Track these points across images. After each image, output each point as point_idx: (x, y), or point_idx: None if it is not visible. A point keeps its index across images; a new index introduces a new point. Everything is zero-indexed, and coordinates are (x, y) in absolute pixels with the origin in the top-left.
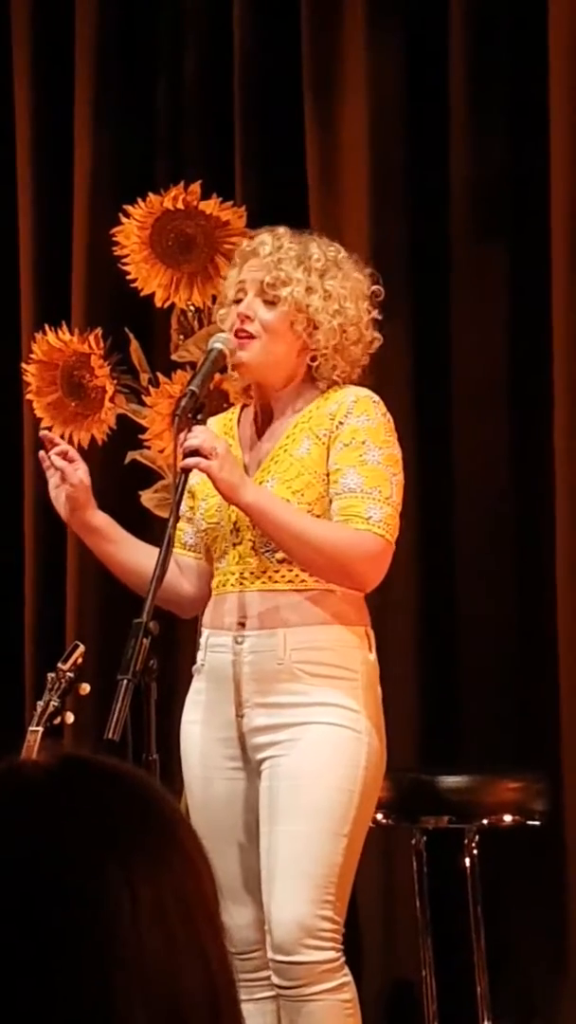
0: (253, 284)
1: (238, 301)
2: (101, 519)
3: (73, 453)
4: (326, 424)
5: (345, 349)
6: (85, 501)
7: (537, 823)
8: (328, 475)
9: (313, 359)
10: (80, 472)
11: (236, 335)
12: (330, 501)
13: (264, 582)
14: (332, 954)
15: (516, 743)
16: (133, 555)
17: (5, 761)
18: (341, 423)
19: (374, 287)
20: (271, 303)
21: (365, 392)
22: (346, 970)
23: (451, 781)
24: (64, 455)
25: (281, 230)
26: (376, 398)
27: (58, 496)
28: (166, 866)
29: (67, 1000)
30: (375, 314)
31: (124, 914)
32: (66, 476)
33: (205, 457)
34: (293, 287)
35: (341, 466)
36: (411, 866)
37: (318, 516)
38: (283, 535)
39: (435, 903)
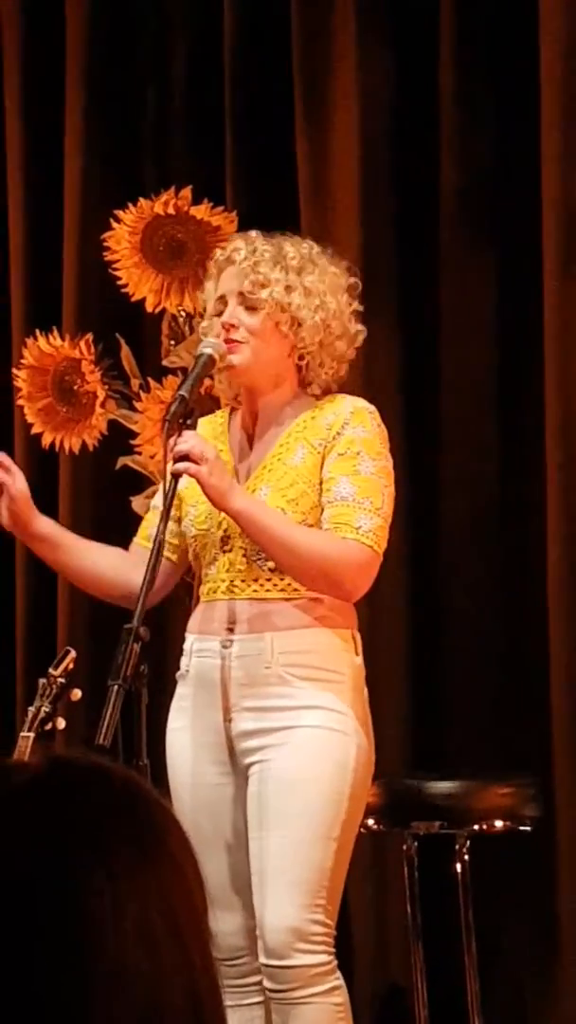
0: (232, 293)
1: (220, 313)
2: (46, 526)
3: (8, 462)
4: (322, 434)
5: (331, 344)
6: (26, 510)
7: (528, 828)
8: (321, 483)
9: (301, 358)
10: (19, 482)
11: (226, 343)
12: (322, 509)
13: (255, 590)
14: (324, 958)
15: (507, 748)
16: (86, 557)
17: None
18: (339, 433)
19: (351, 279)
20: (253, 308)
21: (362, 404)
22: (338, 974)
23: (442, 787)
24: (0, 466)
25: (253, 234)
26: (372, 409)
27: None
28: (153, 873)
29: (47, 1007)
30: (356, 306)
31: (108, 926)
32: (4, 487)
33: (195, 462)
34: (272, 288)
35: (335, 475)
36: (402, 871)
37: (311, 525)
38: (271, 543)
39: (426, 908)
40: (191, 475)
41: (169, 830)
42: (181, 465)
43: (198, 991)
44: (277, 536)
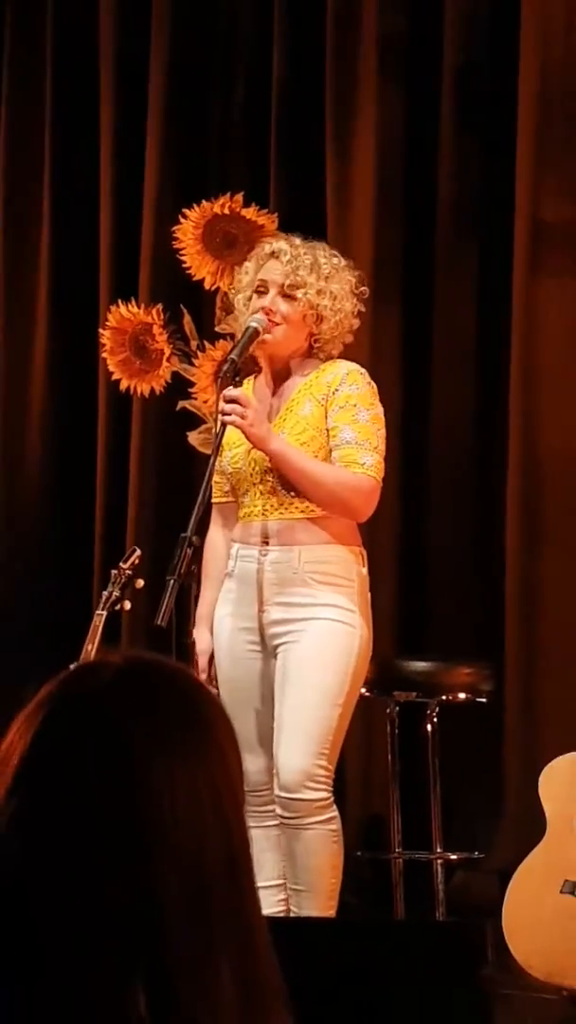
0: (275, 284)
1: (259, 292)
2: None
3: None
4: (324, 390)
5: (340, 335)
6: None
7: (484, 700)
8: (328, 430)
9: (316, 341)
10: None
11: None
12: (330, 451)
13: (282, 512)
14: (324, 794)
15: (471, 637)
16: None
17: (85, 663)
18: (336, 390)
19: (362, 288)
20: (289, 298)
21: (354, 366)
22: (335, 807)
23: (419, 665)
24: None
25: (296, 240)
26: (363, 370)
27: None
28: (203, 759)
29: (114, 863)
30: (360, 307)
31: (164, 799)
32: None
33: (242, 407)
34: (307, 290)
35: (338, 424)
36: (386, 730)
37: (319, 459)
38: (301, 476)
39: (403, 759)
40: (238, 426)
41: (217, 723)
42: (230, 418)
43: (234, 855)
44: (304, 471)
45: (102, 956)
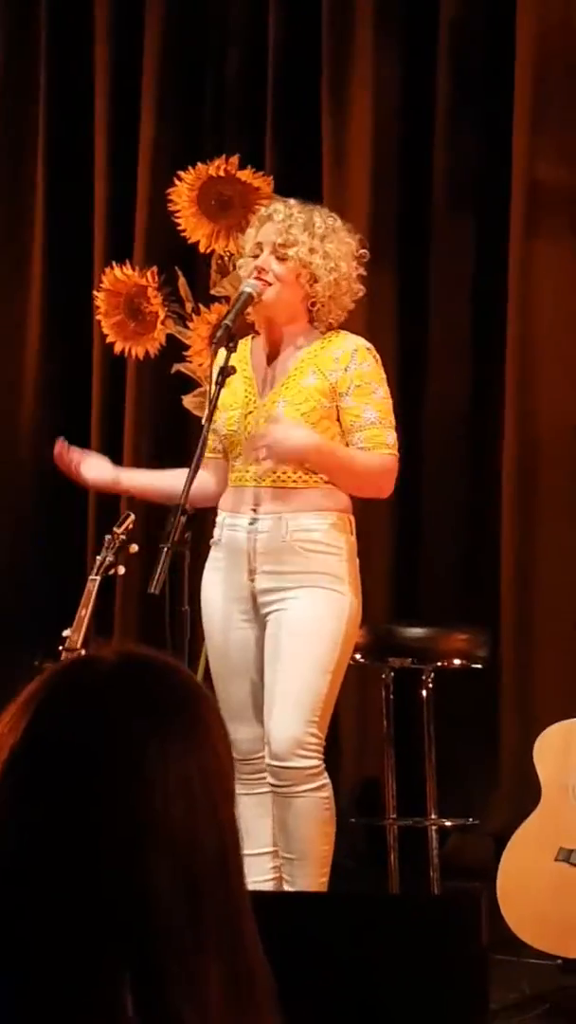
0: (268, 244)
1: (255, 256)
2: (128, 483)
3: (75, 461)
4: (331, 365)
5: (338, 298)
6: (110, 485)
7: (479, 667)
8: (344, 409)
9: (313, 304)
10: (92, 471)
11: (257, 281)
12: (353, 430)
13: (274, 480)
14: (315, 762)
15: (467, 603)
16: (159, 484)
17: (82, 656)
18: (347, 368)
19: (362, 251)
20: (282, 259)
21: (362, 341)
22: (326, 775)
23: (414, 632)
24: (69, 467)
25: (292, 201)
26: (369, 345)
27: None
28: (195, 748)
29: (106, 850)
30: (361, 271)
31: (157, 786)
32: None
33: (265, 439)
34: (299, 248)
35: (358, 403)
36: (381, 696)
37: (317, 431)
38: (338, 469)
39: (398, 724)
40: (274, 456)
41: (208, 715)
42: (267, 458)
43: (226, 854)
44: (344, 464)
45: (94, 951)
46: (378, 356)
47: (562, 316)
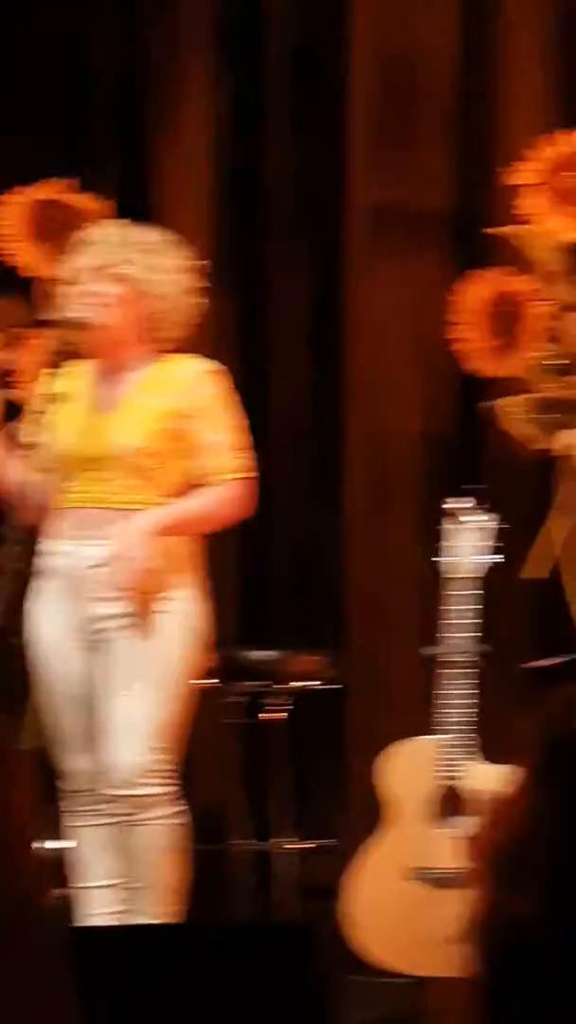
0: (87, 268)
1: (77, 282)
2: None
3: None
4: (174, 388)
5: (172, 311)
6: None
7: (329, 687)
8: (188, 433)
9: (148, 320)
10: None
11: (82, 306)
12: (197, 454)
13: (111, 501)
14: (160, 788)
15: (315, 625)
16: (15, 476)
17: None
18: (190, 391)
19: (190, 263)
20: (105, 280)
21: (208, 364)
22: (180, 801)
23: (264, 654)
24: None
25: (108, 223)
26: (217, 368)
27: None
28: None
29: None
30: (194, 283)
31: None
32: None
33: (118, 558)
34: (120, 266)
35: (202, 426)
36: (230, 720)
37: (157, 451)
38: (194, 528)
39: (248, 748)
40: (132, 570)
41: (6, 760)
42: (126, 579)
43: (21, 875)
44: (194, 521)
45: None
46: (226, 378)
47: (397, 330)
